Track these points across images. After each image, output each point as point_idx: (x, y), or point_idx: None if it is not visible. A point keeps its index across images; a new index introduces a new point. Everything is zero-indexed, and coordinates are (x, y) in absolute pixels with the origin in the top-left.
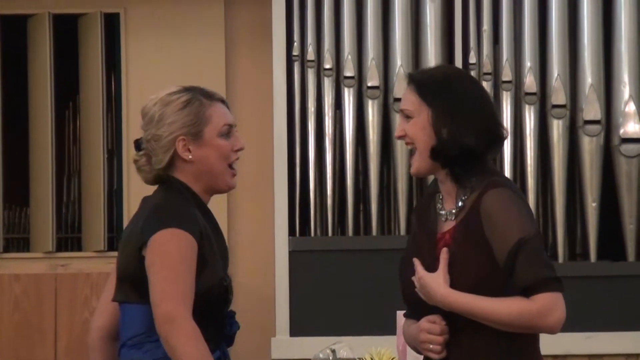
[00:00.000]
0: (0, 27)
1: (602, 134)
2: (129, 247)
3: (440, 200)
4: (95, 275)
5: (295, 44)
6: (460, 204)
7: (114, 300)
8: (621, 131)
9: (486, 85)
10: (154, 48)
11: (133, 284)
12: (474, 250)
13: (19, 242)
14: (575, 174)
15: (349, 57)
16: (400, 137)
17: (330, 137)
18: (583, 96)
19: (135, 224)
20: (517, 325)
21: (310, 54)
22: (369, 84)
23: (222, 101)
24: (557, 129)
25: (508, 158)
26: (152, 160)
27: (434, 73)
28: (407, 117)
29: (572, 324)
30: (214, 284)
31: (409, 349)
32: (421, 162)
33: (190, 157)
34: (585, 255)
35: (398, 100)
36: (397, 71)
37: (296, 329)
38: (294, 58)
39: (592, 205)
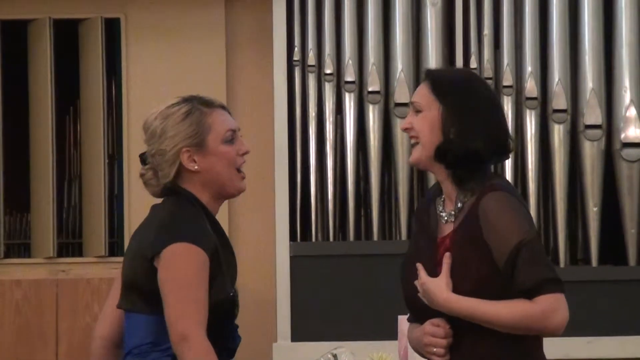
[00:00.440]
0: (0, 31)
1: (603, 138)
2: (138, 256)
3: (441, 202)
4: (97, 281)
5: (296, 48)
6: (459, 205)
7: (119, 307)
8: (622, 136)
9: None
10: (155, 53)
11: (142, 294)
12: (473, 254)
13: (20, 247)
14: (576, 178)
15: (350, 61)
16: (405, 130)
17: (331, 142)
18: (584, 101)
19: (145, 233)
20: (521, 328)
21: (311, 59)
22: (370, 89)
23: (223, 107)
24: (558, 133)
25: (509, 162)
26: (159, 174)
27: (451, 73)
28: (417, 111)
29: (573, 328)
30: (222, 299)
31: (410, 353)
32: (422, 154)
33: (196, 167)
34: (587, 259)
35: (399, 105)
36: (397, 76)
37: (297, 334)
38: (294, 63)
39: (593, 210)
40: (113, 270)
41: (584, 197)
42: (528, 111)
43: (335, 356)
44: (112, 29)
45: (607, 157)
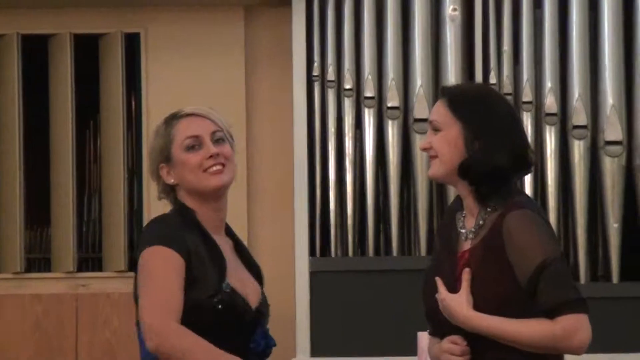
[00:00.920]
0: (21, 46)
1: (624, 154)
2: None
3: (462, 219)
4: (117, 296)
5: (315, 64)
6: (481, 222)
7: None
8: None
9: None
10: (175, 68)
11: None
12: (495, 270)
13: (40, 262)
14: (596, 194)
15: (369, 77)
16: (425, 149)
17: (350, 157)
18: (604, 117)
19: None
20: (541, 347)
21: (331, 74)
22: (389, 105)
23: (193, 114)
24: (578, 149)
25: (529, 178)
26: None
27: (467, 88)
28: (435, 129)
29: (594, 345)
30: (205, 299)
31: None
32: (440, 168)
33: (172, 180)
34: (608, 276)
35: (418, 120)
36: (417, 91)
37: (317, 349)
38: (314, 78)
39: (614, 226)
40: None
41: (604, 213)
42: (548, 127)
43: None
44: (132, 44)
45: (628, 174)
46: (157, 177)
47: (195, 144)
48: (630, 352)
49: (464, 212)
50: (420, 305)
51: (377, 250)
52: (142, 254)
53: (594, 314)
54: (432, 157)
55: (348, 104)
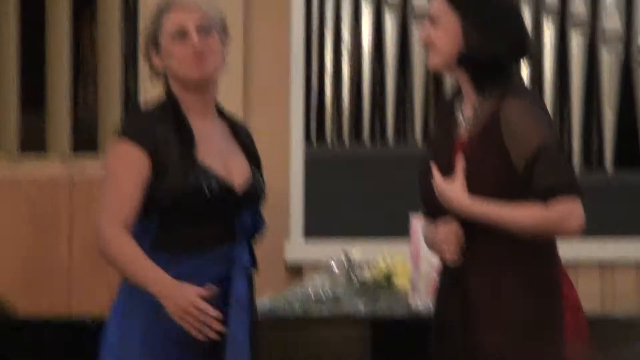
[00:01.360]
0: None
1: (622, 47)
2: None
3: (460, 106)
4: None
5: None
6: (478, 109)
7: None
8: None
9: None
10: None
11: None
12: (492, 158)
13: (35, 144)
14: (593, 83)
15: None
16: (424, 41)
17: (348, 47)
18: (603, 9)
19: None
20: (536, 231)
21: None
22: None
23: (184, 4)
24: (576, 40)
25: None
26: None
27: None
28: (434, 22)
29: (587, 229)
30: (178, 187)
31: (422, 254)
32: (439, 58)
33: (159, 67)
34: (601, 162)
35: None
36: None
37: (310, 231)
38: None
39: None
40: None
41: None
42: (545, 18)
43: (347, 254)
44: None
45: (626, 63)
46: (149, 59)
47: (181, 35)
48: (622, 235)
49: (463, 100)
50: (414, 189)
51: (372, 137)
52: (108, 151)
53: (588, 198)
54: (430, 49)
55: None
